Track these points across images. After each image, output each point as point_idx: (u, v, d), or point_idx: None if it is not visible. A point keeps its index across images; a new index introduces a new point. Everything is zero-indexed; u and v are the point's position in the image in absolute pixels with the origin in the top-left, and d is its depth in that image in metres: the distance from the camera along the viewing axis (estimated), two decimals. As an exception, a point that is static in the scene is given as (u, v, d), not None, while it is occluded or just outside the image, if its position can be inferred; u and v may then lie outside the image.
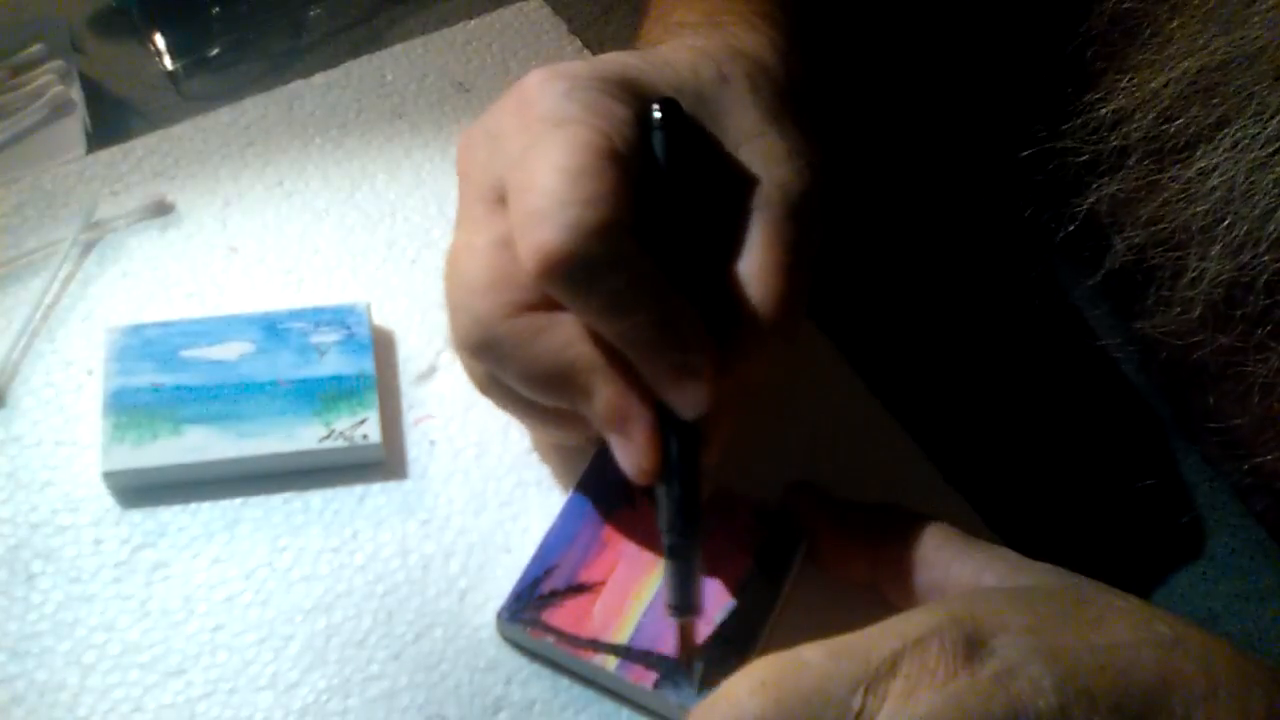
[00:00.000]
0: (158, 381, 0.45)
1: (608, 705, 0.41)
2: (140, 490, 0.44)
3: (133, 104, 0.60)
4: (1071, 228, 0.43)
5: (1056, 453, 0.51)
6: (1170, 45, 0.39)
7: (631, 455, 0.38)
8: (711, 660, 0.40)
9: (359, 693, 0.40)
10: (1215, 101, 0.38)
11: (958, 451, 0.48)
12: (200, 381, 0.45)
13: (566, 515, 0.43)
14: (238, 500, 0.44)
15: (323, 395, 0.45)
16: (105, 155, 0.55)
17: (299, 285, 0.51)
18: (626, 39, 0.50)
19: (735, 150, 0.40)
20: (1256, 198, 0.37)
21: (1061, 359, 0.53)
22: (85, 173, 0.54)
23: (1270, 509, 0.47)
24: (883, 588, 0.40)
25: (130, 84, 0.61)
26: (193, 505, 0.44)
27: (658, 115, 0.39)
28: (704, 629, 0.40)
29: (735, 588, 0.41)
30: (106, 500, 0.44)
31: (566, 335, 0.38)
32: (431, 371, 0.48)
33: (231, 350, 0.46)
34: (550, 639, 0.40)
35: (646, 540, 0.42)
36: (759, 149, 0.40)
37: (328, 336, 0.47)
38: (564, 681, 0.41)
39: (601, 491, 0.43)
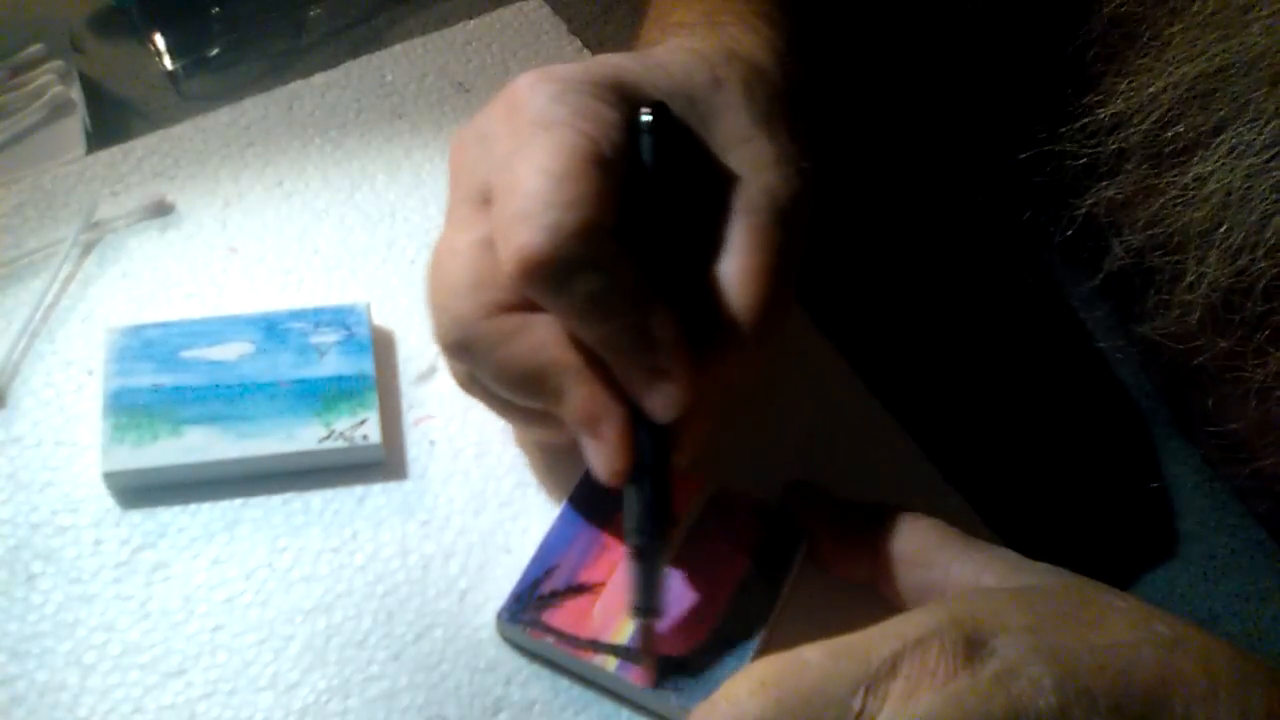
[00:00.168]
0: (158, 382, 0.45)
1: (607, 706, 0.41)
2: (140, 491, 0.44)
3: (133, 104, 0.60)
4: (1070, 231, 0.43)
5: (1056, 453, 0.51)
6: (1169, 50, 0.39)
7: (602, 456, 0.38)
8: (711, 660, 0.40)
9: (359, 693, 0.40)
10: (1213, 107, 0.38)
11: (958, 451, 0.48)
12: (200, 382, 0.45)
13: (566, 516, 0.43)
14: (238, 501, 0.44)
15: (323, 396, 0.45)
16: (105, 155, 0.55)
17: (299, 286, 0.51)
18: (626, 39, 0.50)
19: (725, 154, 0.40)
20: (1254, 203, 0.37)
21: (1061, 360, 0.53)
22: (85, 173, 0.54)
23: (1271, 511, 0.47)
24: (883, 588, 0.40)
25: (130, 84, 0.61)
26: (193, 506, 0.44)
27: (646, 119, 0.39)
28: (704, 629, 0.40)
29: (735, 588, 0.41)
30: (106, 501, 0.44)
31: (542, 337, 0.38)
32: (431, 372, 0.48)
33: (231, 351, 0.46)
34: (550, 640, 0.40)
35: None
36: (748, 153, 0.40)
37: (328, 337, 0.47)
38: (564, 682, 0.41)
39: (601, 493, 0.43)
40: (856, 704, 0.31)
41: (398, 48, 0.61)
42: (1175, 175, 0.39)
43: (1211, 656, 0.32)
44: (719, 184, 0.40)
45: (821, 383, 0.50)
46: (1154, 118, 0.40)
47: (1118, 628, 0.33)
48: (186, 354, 0.46)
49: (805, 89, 0.45)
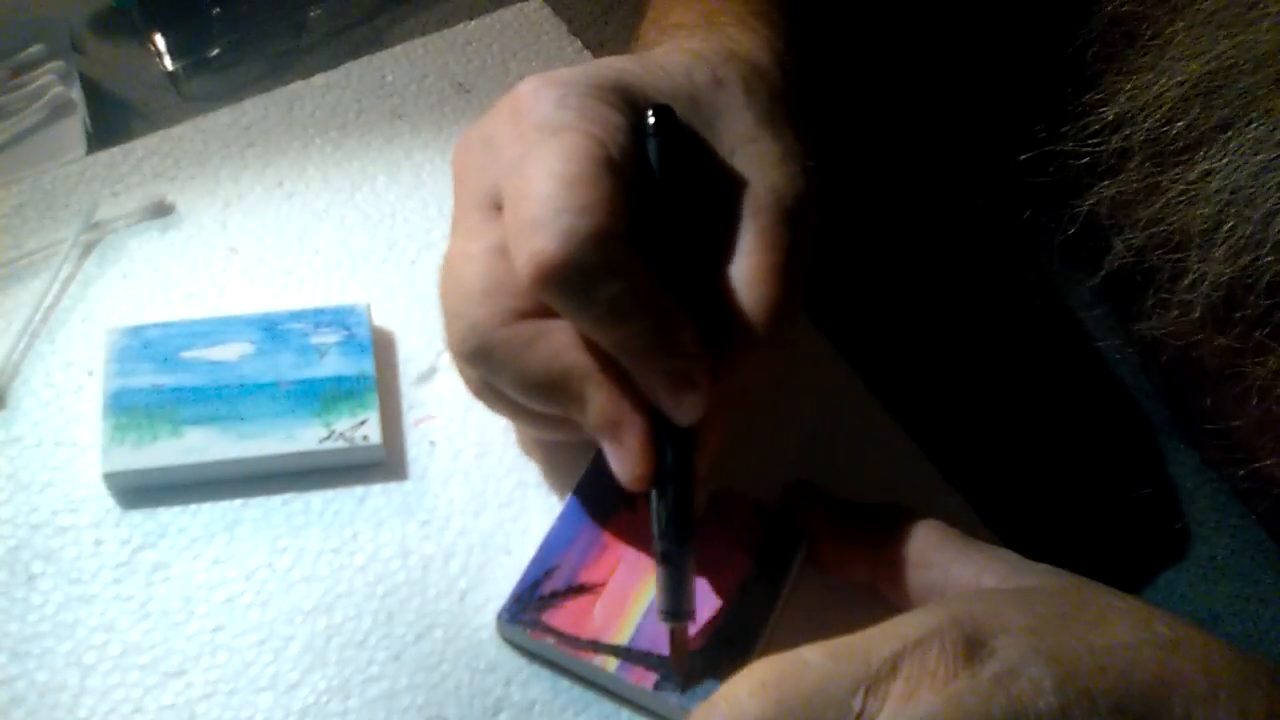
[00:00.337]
0: (158, 382, 0.45)
1: (608, 706, 0.41)
2: (140, 491, 0.44)
3: (133, 104, 0.60)
4: (1071, 230, 0.43)
5: (1056, 453, 0.51)
6: (1172, 48, 0.39)
7: (625, 462, 0.38)
8: (711, 661, 0.40)
9: (359, 693, 0.40)
10: (1217, 104, 0.38)
11: (957, 451, 0.48)
12: (200, 382, 0.45)
13: (566, 516, 0.43)
14: (238, 501, 0.44)
15: (323, 396, 0.45)
16: (105, 156, 0.55)
17: (299, 286, 0.51)
18: (626, 39, 0.50)
19: (729, 154, 0.40)
20: (1259, 200, 0.37)
21: (1061, 360, 0.53)
22: (85, 173, 0.54)
23: (1271, 511, 0.47)
24: (883, 588, 0.40)
25: (130, 84, 0.61)
26: (193, 506, 0.44)
27: (652, 122, 0.39)
28: (703, 629, 0.40)
29: (735, 588, 0.41)
30: (107, 501, 0.44)
31: (560, 342, 0.38)
32: (432, 372, 0.48)
33: (232, 351, 0.46)
34: (550, 640, 0.40)
35: (646, 542, 0.42)
36: (753, 153, 0.40)
37: (328, 337, 0.47)
38: (564, 683, 0.41)
39: (601, 493, 0.43)
40: (856, 705, 0.31)
41: (398, 48, 0.61)
42: (1178, 173, 0.39)
43: (1212, 657, 0.32)
44: (725, 185, 0.40)
45: (821, 383, 0.50)
46: (1157, 116, 0.40)
47: (1118, 628, 0.33)
48: (187, 354, 0.46)
49: (805, 88, 0.44)
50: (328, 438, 0.45)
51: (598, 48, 0.62)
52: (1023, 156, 0.43)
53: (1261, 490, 0.47)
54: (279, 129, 0.56)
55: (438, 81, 0.59)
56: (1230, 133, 0.37)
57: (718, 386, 0.38)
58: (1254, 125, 0.37)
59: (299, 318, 0.48)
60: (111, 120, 0.59)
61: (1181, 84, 0.38)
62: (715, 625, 0.40)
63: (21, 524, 0.43)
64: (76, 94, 0.58)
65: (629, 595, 0.41)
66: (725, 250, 0.39)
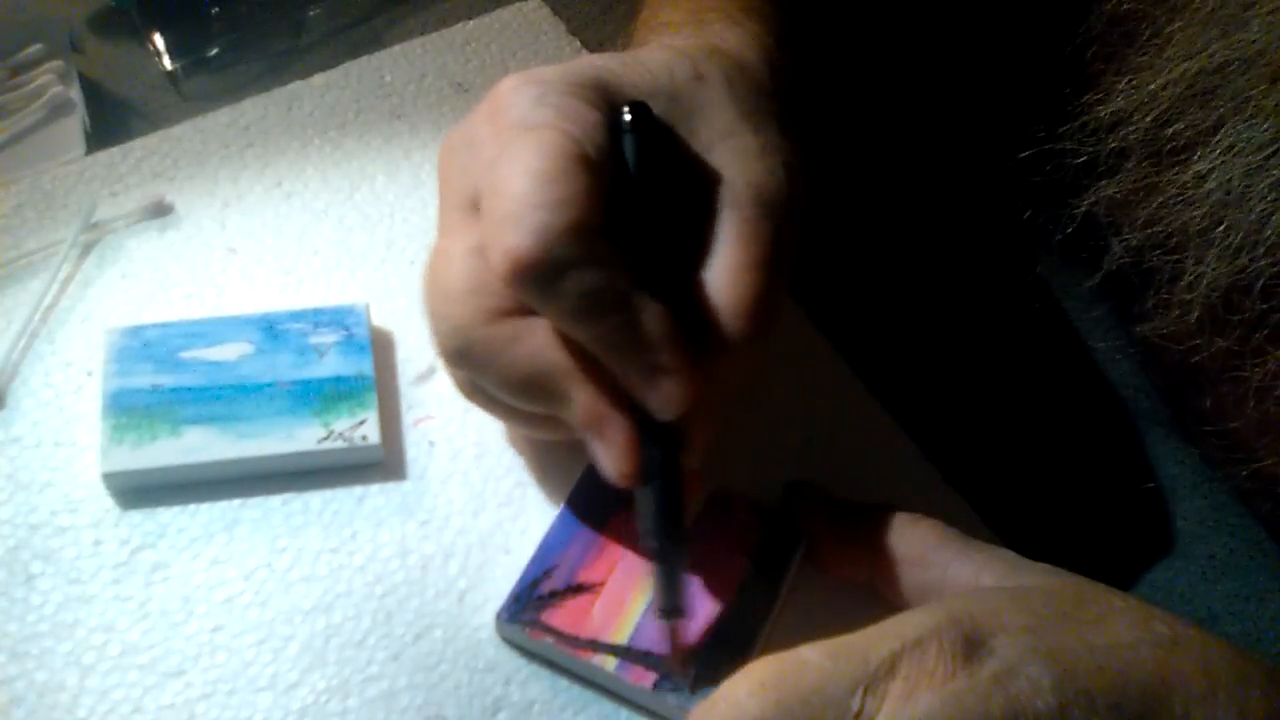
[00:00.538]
0: (157, 382, 0.45)
1: (607, 706, 0.41)
2: (139, 491, 0.44)
3: (132, 104, 0.60)
4: (1069, 230, 0.43)
5: (1055, 453, 0.51)
6: (1168, 48, 0.39)
7: (610, 459, 0.38)
8: (711, 660, 0.40)
9: (358, 693, 0.40)
10: (1213, 104, 0.38)
11: (957, 451, 0.48)
12: (199, 382, 0.45)
13: (565, 516, 0.43)
14: (237, 501, 0.44)
15: (322, 396, 0.45)
16: (104, 156, 0.55)
17: (298, 286, 0.51)
18: (626, 39, 0.50)
19: (709, 150, 0.40)
20: (1253, 201, 0.37)
21: (1060, 360, 0.53)
22: (85, 173, 0.54)
23: (1271, 511, 0.47)
24: (882, 588, 0.40)
25: (130, 84, 0.61)
26: (192, 506, 0.44)
27: (628, 119, 0.39)
28: (702, 629, 0.40)
29: (734, 588, 0.41)
30: (106, 501, 0.44)
31: (541, 341, 0.38)
32: (431, 372, 0.48)
33: (231, 351, 0.46)
34: (549, 640, 0.40)
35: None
36: (732, 148, 0.40)
37: (327, 337, 0.47)
38: (563, 682, 0.41)
39: (600, 492, 0.43)
40: (855, 704, 0.31)
41: (397, 48, 0.61)
42: (1175, 173, 0.39)
43: (1210, 657, 0.32)
44: (705, 181, 0.40)
45: (821, 383, 0.50)
46: (1154, 115, 0.40)
47: (1117, 628, 0.33)
48: (186, 354, 0.46)
49: (795, 84, 0.44)
50: (327, 438, 0.45)
51: (596, 47, 0.62)
52: (1021, 155, 0.43)
53: (1261, 490, 0.47)
54: (278, 129, 0.56)
55: (436, 81, 0.59)
56: (1222, 133, 0.37)
57: (701, 381, 0.38)
58: (1246, 125, 0.37)
59: (298, 318, 0.48)
60: (111, 120, 0.59)
61: (1178, 84, 0.38)
62: (714, 625, 0.40)
63: (21, 524, 0.43)
64: (76, 94, 0.58)
65: (628, 595, 0.41)
66: (705, 245, 0.39)
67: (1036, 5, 0.48)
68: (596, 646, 0.40)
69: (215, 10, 0.62)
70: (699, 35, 0.44)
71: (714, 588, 0.41)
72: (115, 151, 0.55)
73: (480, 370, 0.39)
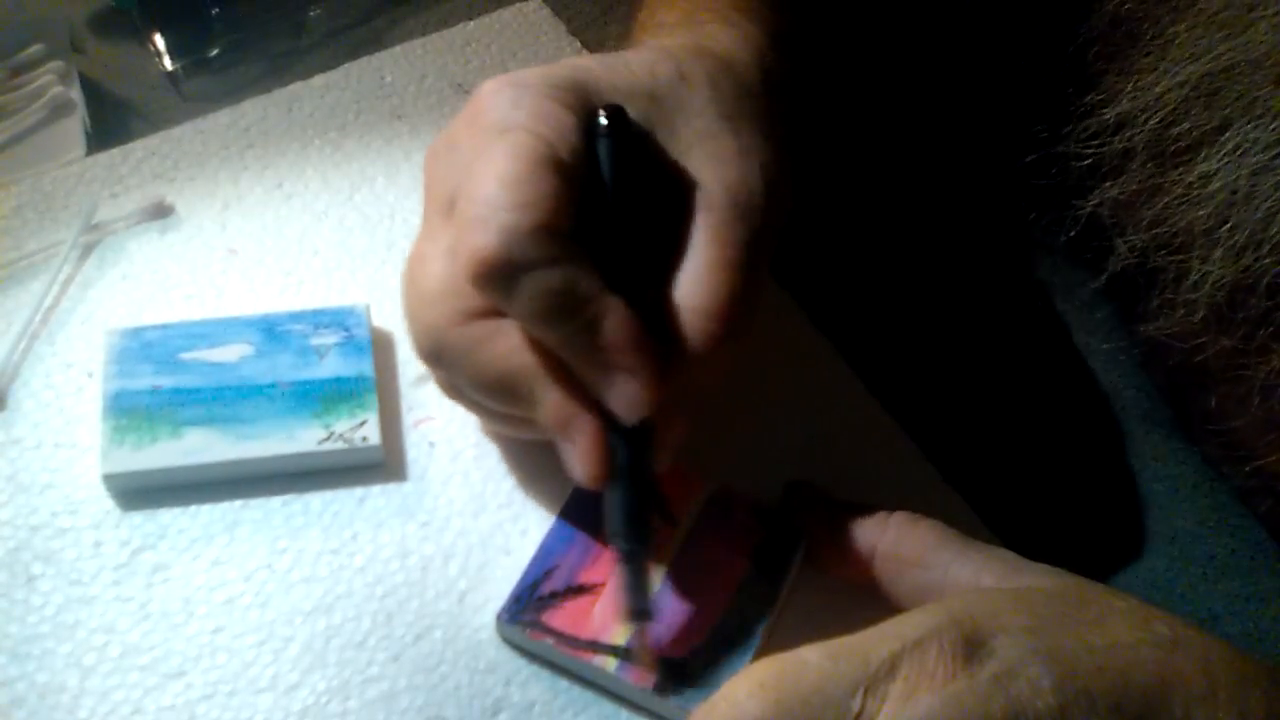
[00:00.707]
0: (157, 384, 0.45)
1: (607, 707, 0.41)
2: (140, 492, 0.44)
3: (133, 105, 0.60)
4: (1074, 231, 0.43)
5: (1056, 453, 0.51)
6: (1172, 50, 0.39)
7: (577, 461, 0.38)
8: (711, 661, 0.40)
9: (358, 694, 0.40)
10: (1218, 105, 0.38)
11: (957, 451, 0.48)
12: (200, 384, 0.45)
13: (565, 517, 0.43)
14: (237, 502, 0.44)
15: (322, 397, 0.45)
16: (105, 157, 0.55)
17: (298, 287, 0.51)
18: (626, 39, 0.50)
19: (688, 151, 0.40)
20: (1258, 201, 0.37)
21: (1061, 360, 0.53)
22: (85, 174, 0.54)
23: (1272, 511, 0.47)
24: (882, 588, 0.40)
25: (130, 85, 0.61)
26: (192, 507, 0.44)
27: (602, 122, 0.39)
28: (703, 630, 0.40)
29: (734, 588, 0.41)
30: (106, 503, 0.44)
31: (512, 342, 0.38)
32: (430, 373, 0.48)
33: (231, 352, 0.46)
34: (550, 640, 0.40)
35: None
36: (710, 151, 0.40)
37: (327, 338, 0.47)
38: (563, 683, 0.41)
39: (599, 493, 0.43)
40: (855, 705, 0.31)
41: (397, 49, 0.61)
42: (1180, 174, 0.39)
43: (1211, 657, 0.32)
44: (682, 183, 0.40)
45: (821, 383, 0.50)
46: (1159, 117, 0.40)
47: (1117, 628, 0.33)
48: (186, 356, 0.46)
49: (789, 85, 0.44)
50: (327, 439, 0.45)
51: (597, 47, 0.62)
52: (1027, 158, 0.43)
53: (1262, 490, 0.47)
54: (278, 130, 0.56)
55: (437, 82, 0.59)
56: (1229, 133, 0.37)
57: (670, 383, 0.38)
58: (1252, 126, 0.37)
59: (298, 319, 0.48)
60: (111, 120, 0.59)
61: (1183, 85, 0.38)
62: (714, 625, 0.40)
63: (21, 525, 0.43)
64: (76, 94, 0.58)
65: (628, 596, 0.41)
66: (679, 248, 0.39)
67: (1039, 6, 0.48)
68: (597, 647, 0.40)
69: (216, 11, 0.62)
70: (690, 35, 0.44)
71: (714, 588, 0.41)
72: (116, 152, 0.55)
73: (453, 370, 0.39)
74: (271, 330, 0.47)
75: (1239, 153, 0.37)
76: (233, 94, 0.59)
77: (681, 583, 0.41)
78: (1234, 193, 0.38)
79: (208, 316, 0.48)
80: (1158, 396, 0.52)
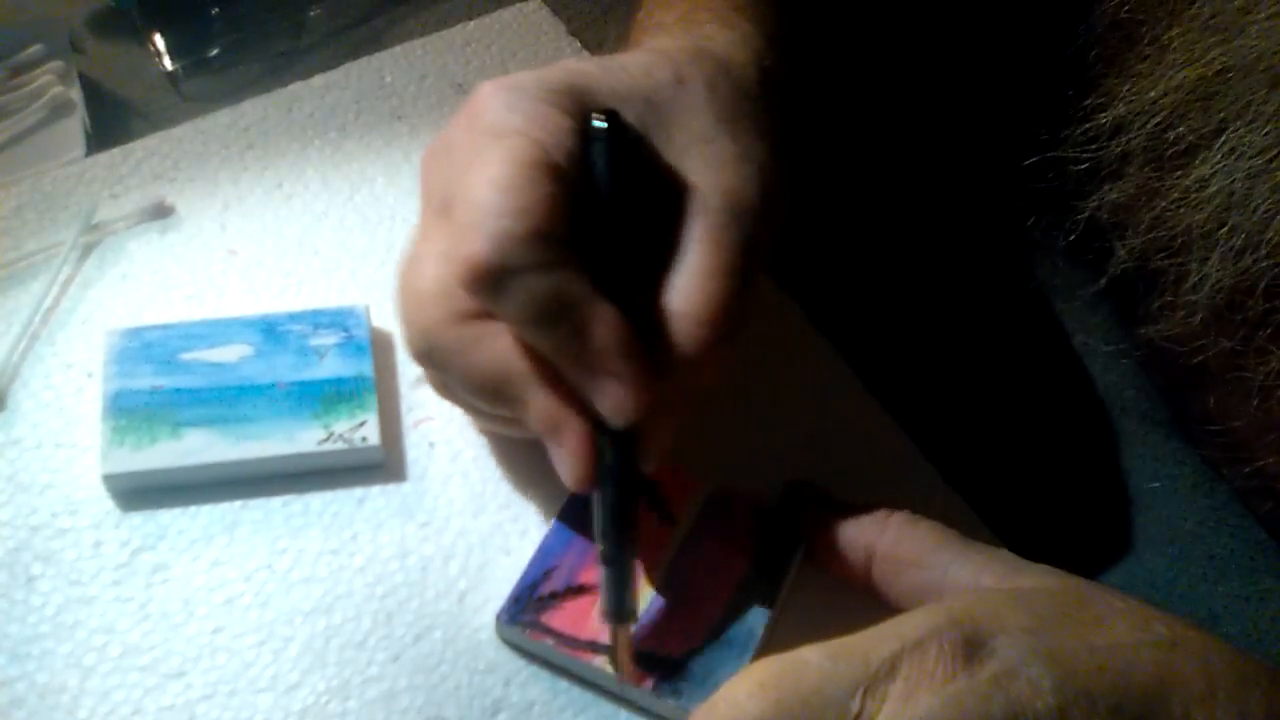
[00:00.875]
0: (157, 384, 0.45)
1: (606, 707, 0.41)
2: (140, 493, 0.44)
3: (132, 105, 0.60)
4: (1073, 234, 0.43)
5: (1056, 454, 0.51)
6: (1169, 53, 0.39)
7: (565, 463, 0.38)
8: (711, 661, 0.40)
9: (358, 694, 0.40)
10: (1214, 109, 0.38)
11: (957, 451, 0.48)
12: (200, 384, 0.45)
13: (565, 518, 0.43)
14: (237, 503, 0.44)
15: (322, 398, 0.45)
16: (105, 157, 0.55)
17: (298, 288, 0.51)
18: (626, 40, 0.50)
19: (684, 154, 0.40)
20: (1255, 203, 0.37)
21: (1061, 361, 0.53)
22: (85, 175, 0.54)
23: (1272, 511, 0.47)
24: (882, 589, 0.40)
25: (130, 85, 0.61)
26: (192, 508, 0.44)
27: (597, 125, 0.39)
28: (702, 630, 0.40)
29: (734, 588, 0.41)
30: (106, 503, 0.44)
31: (503, 345, 0.38)
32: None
33: (231, 353, 0.46)
34: (549, 641, 0.40)
35: (644, 543, 0.42)
36: (706, 154, 0.40)
37: (327, 339, 0.47)
38: (563, 683, 0.41)
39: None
40: (855, 705, 0.31)
41: (397, 49, 0.61)
42: (1177, 177, 0.40)
43: (1211, 657, 0.32)
44: (677, 186, 0.40)
45: (821, 383, 0.50)
46: (1156, 121, 0.40)
47: (1117, 629, 0.33)
48: (186, 356, 0.46)
49: (787, 85, 0.44)
50: (327, 439, 0.45)
51: (596, 48, 0.62)
52: (1025, 162, 0.43)
53: (1262, 490, 0.47)
54: (278, 130, 0.56)
55: (437, 82, 0.59)
56: (1225, 137, 0.37)
57: (660, 388, 0.38)
58: (1247, 129, 0.37)
59: (298, 319, 0.48)
60: (111, 120, 0.59)
61: (1178, 89, 0.39)
62: (714, 625, 0.40)
63: (21, 526, 0.43)
64: (76, 94, 0.58)
65: (628, 596, 0.41)
66: (673, 252, 0.39)
67: (1037, 9, 0.48)
68: (596, 648, 0.40)
69: (216, 11, 0.62)
70: (688, 36, 0.44)
71: (714, 588, 0.41)
72: (116, 153, 0.55)
73: (445, 370, 0.40)
74: (271, 331, 0.47)
75: (1235, 156, 0.37)
76: (233, 94, 0.59)
77: (681, 582, 0.41)
78: (1231, 196, 0.38)
79: (208, 317, 0.48)
80: (1157, 397, 0.52)
